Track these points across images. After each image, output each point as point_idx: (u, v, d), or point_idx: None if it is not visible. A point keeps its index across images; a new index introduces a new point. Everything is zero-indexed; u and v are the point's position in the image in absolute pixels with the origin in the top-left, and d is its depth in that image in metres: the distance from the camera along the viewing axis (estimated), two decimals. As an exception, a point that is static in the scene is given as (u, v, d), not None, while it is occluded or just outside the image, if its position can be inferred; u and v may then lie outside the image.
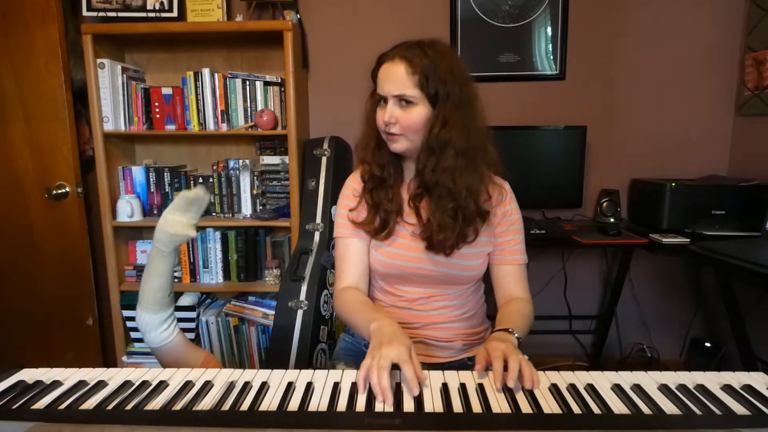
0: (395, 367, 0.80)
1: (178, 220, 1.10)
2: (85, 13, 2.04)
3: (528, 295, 1.15)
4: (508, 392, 0.77)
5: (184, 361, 1.14)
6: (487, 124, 1.08)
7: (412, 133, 1.03)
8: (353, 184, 1.17)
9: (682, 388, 0.78)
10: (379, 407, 0.73)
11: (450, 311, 1.14)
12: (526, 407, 0.73)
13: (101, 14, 2.04)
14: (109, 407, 0.73)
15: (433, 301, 1.14)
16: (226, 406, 0.73)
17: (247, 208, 2.16)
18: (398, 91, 1.00)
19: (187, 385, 0.79)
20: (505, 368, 0.80)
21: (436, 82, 1.00)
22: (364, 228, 1.12)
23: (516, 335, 0.95)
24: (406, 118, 1.02)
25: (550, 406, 0.73)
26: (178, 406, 0.73)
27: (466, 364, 1.16)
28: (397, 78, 1.00)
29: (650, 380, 0.81)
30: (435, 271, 1.10)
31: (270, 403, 0.74)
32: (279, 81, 2.09)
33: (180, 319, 1.19)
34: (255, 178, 2.15)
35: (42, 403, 0.74)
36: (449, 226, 1.05)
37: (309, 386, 0.78)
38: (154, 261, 1.11)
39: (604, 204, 2.21)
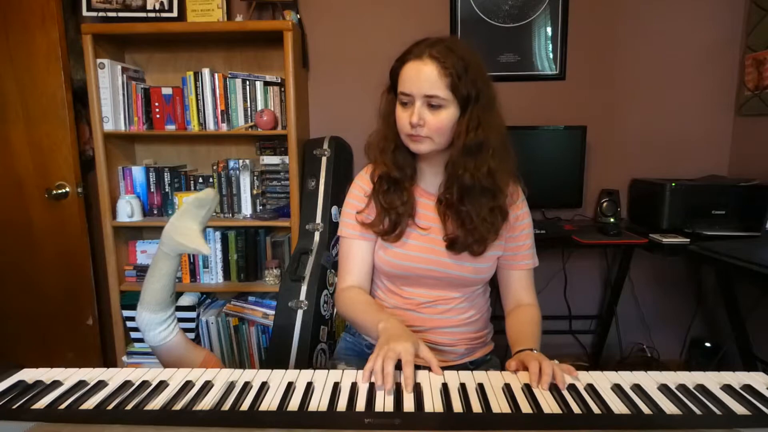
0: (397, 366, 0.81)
1: (188, 227, 1.10)
2: (85, 13, 2.04)
3: (536, 300, 1.15)
4: (529, 391, 0.78)
5: (185, 360, 1.14)
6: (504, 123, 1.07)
7: (438, 136, 1.00)
8: (362, 184, 1.14)
9: (682, 388, 0.78)
10: (379, 407, 0.73)
11: (455, 315, 1.13)
12: (526, 407, 0.73)
13: (101, 14, 2.04)
14: (109, 407, 0.73)
15: (439, 304, 1.12)
16: (226, 406, 0.73)
17: (247, 208, 2.16)
18: (430, 92, 0.96)
19: (187, 385, 0.79)
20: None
21: (467, 84, 0.97)
22: (373, 229, 1.10)
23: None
24: (435, 121, 0.98)
25: (550, 406, 0.73)
26: (178, 406, 0.73)
27: (468, 368, 1.15)
28: (427, 78, 0.96)
29: (650, 380, 0.81)
30: (445, 273, 1.09)
31: (270, 403, 0.74)
32: (279, 81, 2.09)
33: (180, 319, 1.20)
34: (255, 178, 2.15)
35: (42, 403, 0.74)
36: (489, 225, 1.04)
37: (309, 386, 0.78)
38: (158, 262, 1.12)
39: (604, 204, 2.21)
